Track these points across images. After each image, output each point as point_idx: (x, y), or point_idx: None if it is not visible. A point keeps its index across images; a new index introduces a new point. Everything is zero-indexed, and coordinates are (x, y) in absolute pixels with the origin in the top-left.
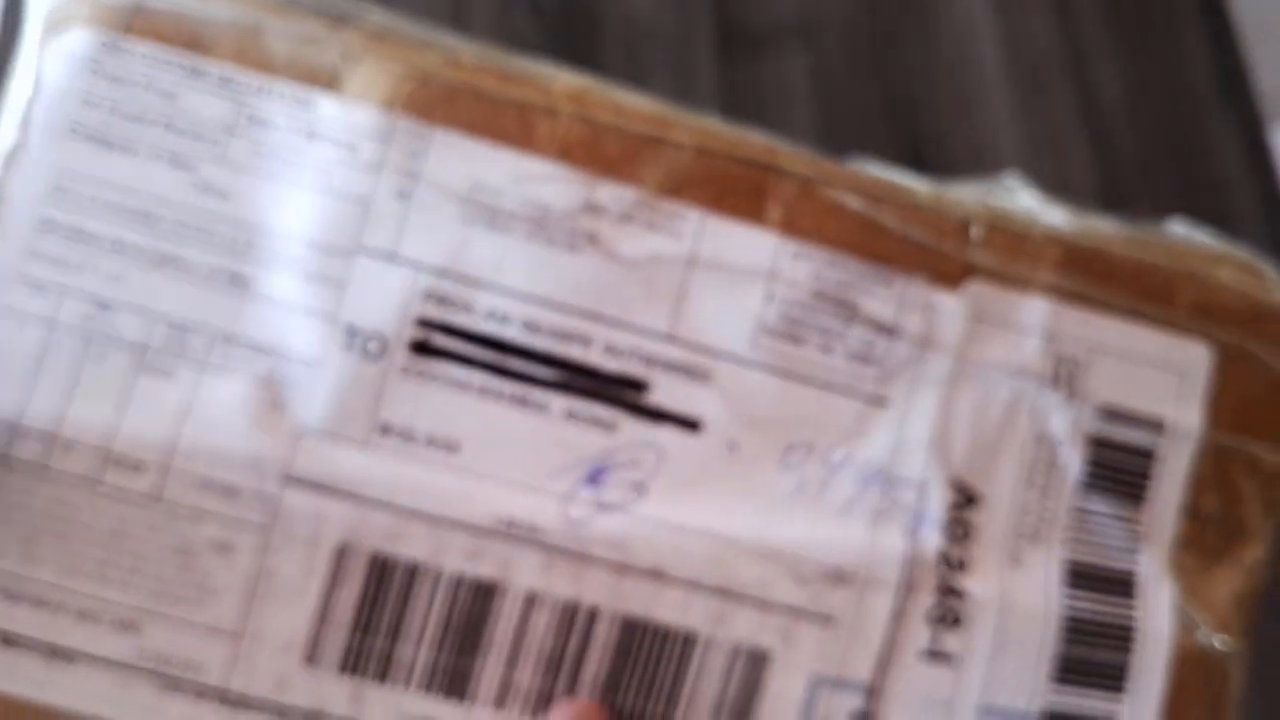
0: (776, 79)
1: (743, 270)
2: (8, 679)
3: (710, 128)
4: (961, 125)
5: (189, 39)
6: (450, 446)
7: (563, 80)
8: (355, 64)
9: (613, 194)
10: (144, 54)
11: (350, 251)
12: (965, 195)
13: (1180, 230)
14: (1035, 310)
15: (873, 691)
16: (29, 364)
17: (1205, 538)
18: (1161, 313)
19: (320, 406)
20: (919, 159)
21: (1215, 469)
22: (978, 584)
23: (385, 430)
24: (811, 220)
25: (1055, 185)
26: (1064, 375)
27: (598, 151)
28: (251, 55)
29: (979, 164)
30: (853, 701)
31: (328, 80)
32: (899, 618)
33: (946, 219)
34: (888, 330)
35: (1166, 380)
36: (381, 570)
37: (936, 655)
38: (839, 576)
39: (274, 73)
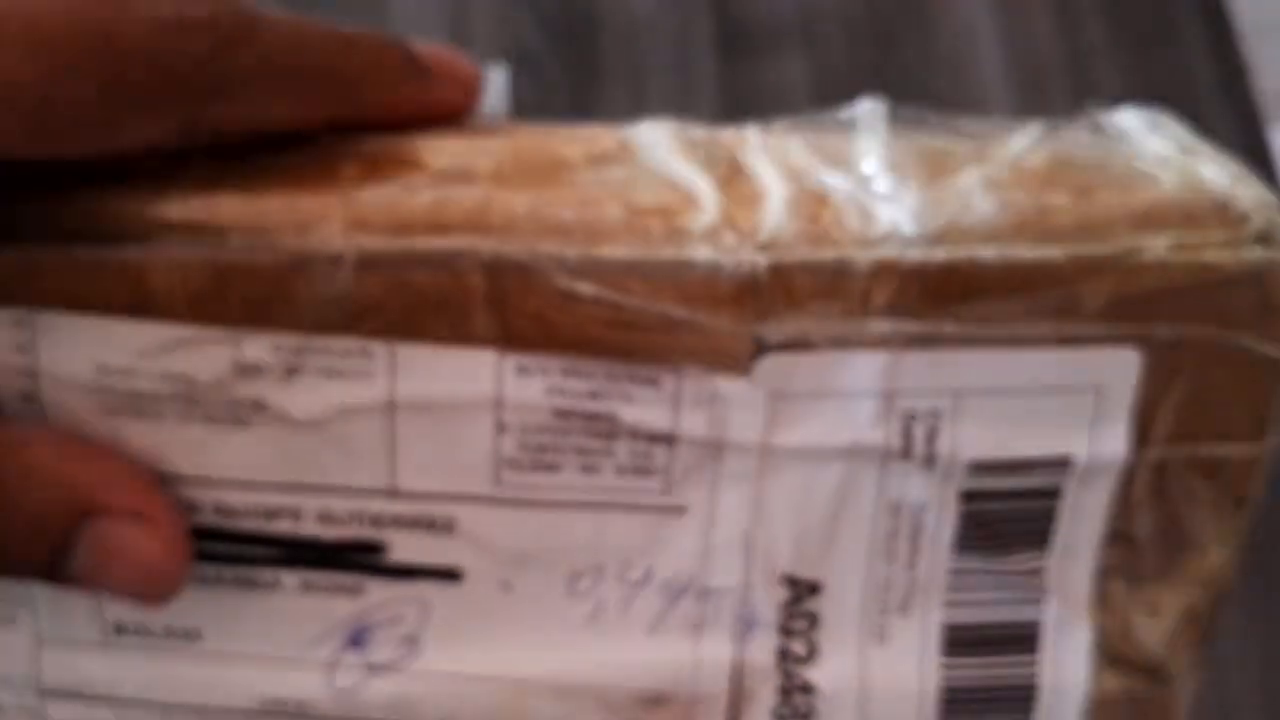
0: (776, 79)
1: (458, 403)
2: None
3: (381, 194)
4: None
5: None
6: (190, 635)
7: (175, 204)
8: None
9: (265, 346)
10: None
11: None
12: (774, 187)
13: (1129, 129)
14: (863, 370)
15: None
16: None
17: (1139, 562)
18: (1060, 327)
19: (46, 617)
20: None
21: (1151, 486)
22: (828, 673)
23: (120, 630)
24: (535, 322)
25: None
26: (916, 438)
27: (227, 297)
28: None
29: None
30: None
31: None
32: None
33: (723, 279)
34: (663, 438)
35: (1074, 404)
36: None
37: None
38: (657, 699)
39: None
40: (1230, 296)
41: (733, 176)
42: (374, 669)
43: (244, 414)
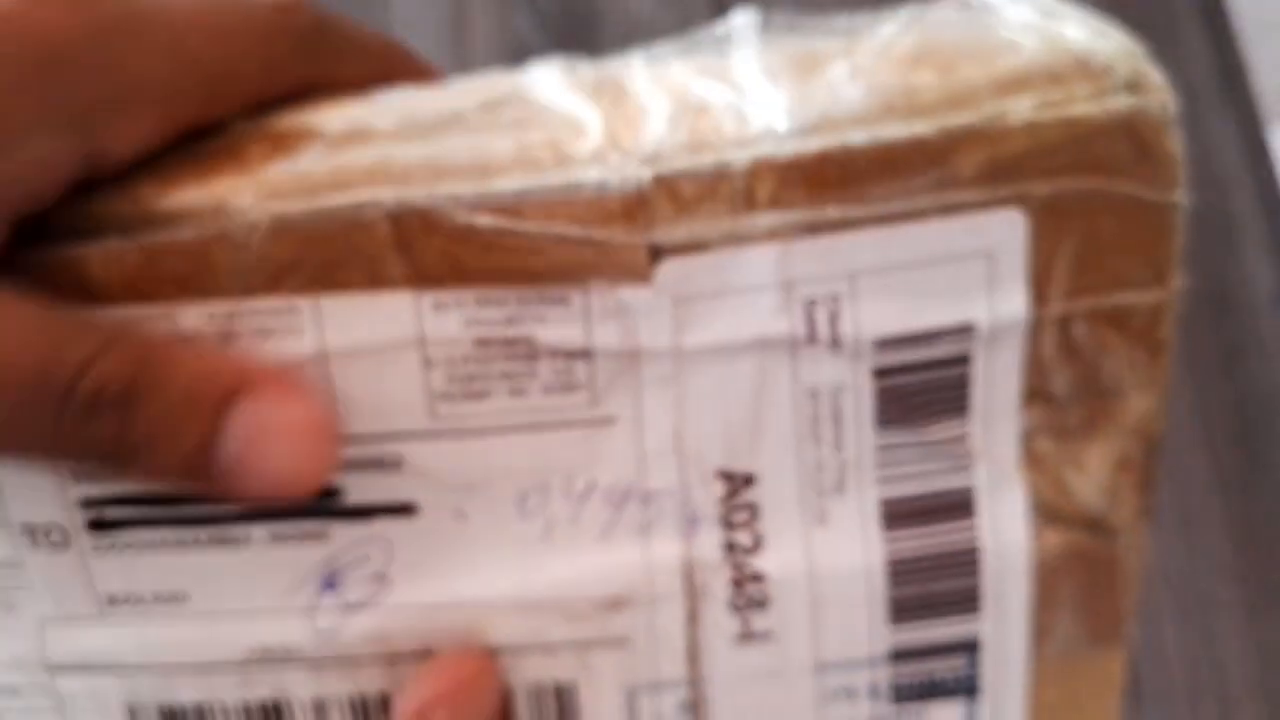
0: None
1: (384, 345)
2: None
3: (286, 160)
4: None
5: None
6: (178, 598)
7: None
8: None
9: (199, 315)
10: None
11: None
12: (655, 104)
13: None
14: (757, 264)
15: (694, 681)
16: None
17: (1064, 418)
18: (939, 198)
19: (45, 600)
20: None
21: (1060, 343)
22: (775, 560)
23: (113, 601)
24: (442, 261)
25: None
26: (819, 322)
27: (159, 276)
28: None
29: None
30: (676, 694)
31: None
32: (694, 619)
33: (611, 196)
34: (580, 354)
35: (966, 272)
36: (172, 716)
37: (750, 636)
38: (616, 602)
39: None
40: (1105, 147)
41: (618, 101)
42: (350, 608)
43: None
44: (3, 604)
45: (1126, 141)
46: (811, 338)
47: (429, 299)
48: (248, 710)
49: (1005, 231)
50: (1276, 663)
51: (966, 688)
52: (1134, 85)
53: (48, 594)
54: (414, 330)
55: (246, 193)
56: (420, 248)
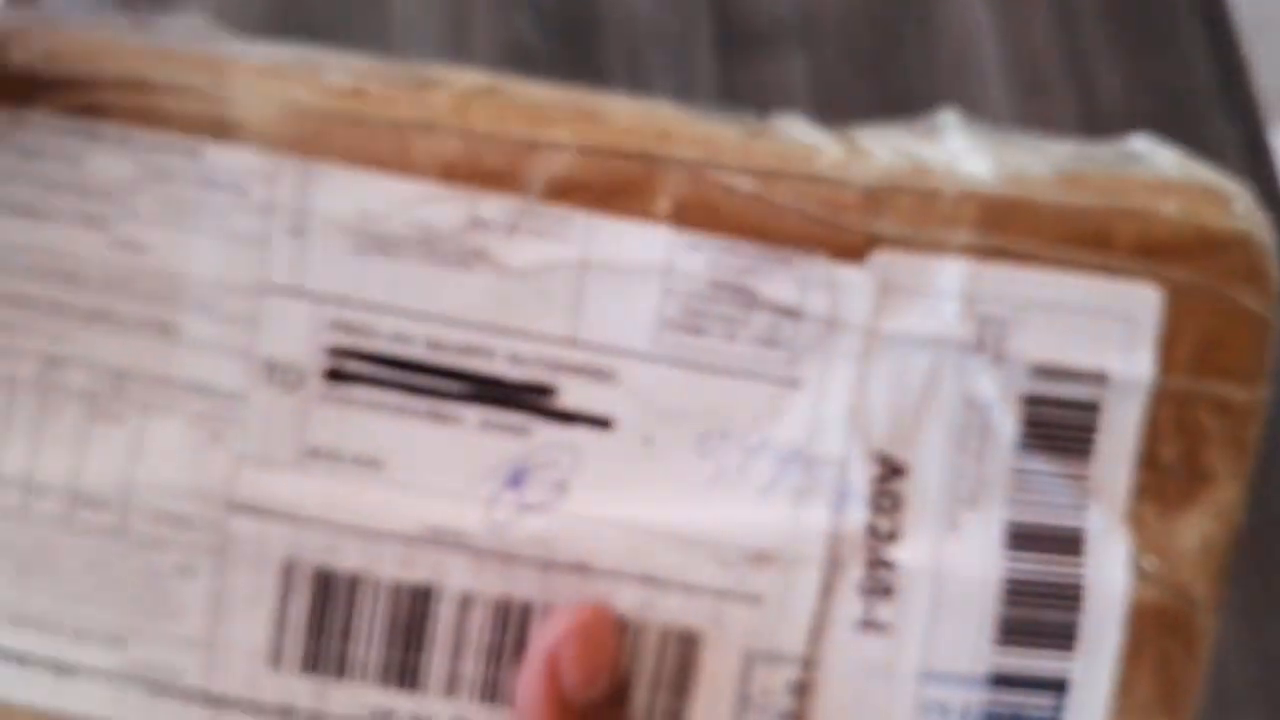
0: (777, 79)
1: (637, 268)
2: (24, 690)
3: (597, 118)
4: None
5: (84, 104)
6: (375, 463)
7: (444, 90)
8: (236, 107)
9: (496, 207)
10: (45, 124)
11: (258, 291)
12: (880, 150)
13: (1141, 150)
14: (950, 273)
15: (808, 662)
16: None
17: (1166, 487)
18: (1099, 259)
19: (253, 438)
20: None
21: (1174, 416)
22: (908, 553)
23: (314, 454)
24: (702, 209)
25: None
26: (989, 337)
27: (477, 166)
28: (143, 112)
29: None
30: (789, 672)
31: (213, 127)
32: (827, 592)
33: (847, 189)
34: (791, 313)
35: (1109, 329)
36: (326, 581)
37: (870, 625)
38: (762, 557)
39: (166, 126)
40: (1226, 255)
41: (850, 142)
42: (526, 508)
43: (469, 260)
44: (210, 434)
45: (1241, 255)
46: (980, 348)
47: (685, 238)
48: (398, 590)
49: (1144, 301)
50: (1276, 663)
51: None
52: (1249, 214)
53: (258, 433)
54: (664, 260)
55: (563, 123)
56: (686, 196)
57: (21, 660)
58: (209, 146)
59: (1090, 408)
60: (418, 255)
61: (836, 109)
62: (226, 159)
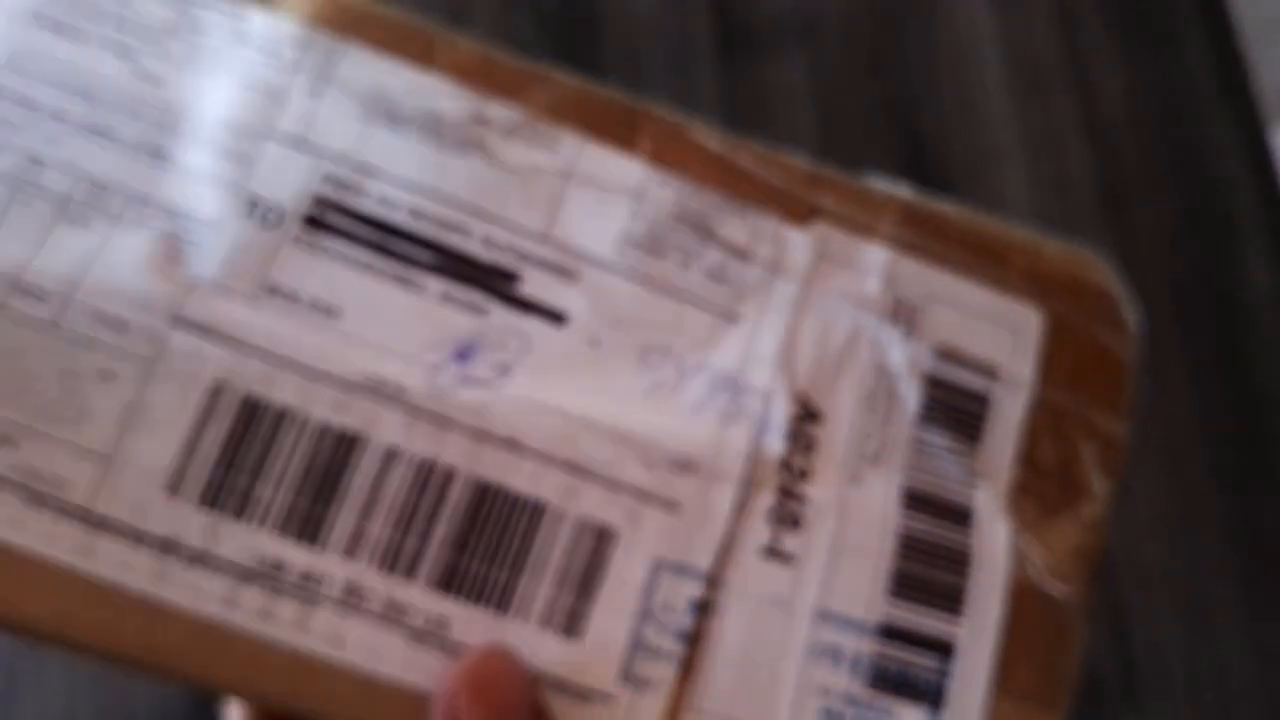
0: (777, 79)
1: (613, 188)
2: None
3: (591, 83)
4: (961, 125)
5: None
6: (331, 311)
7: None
8: None
9: (501, 112)
10: None
11: (262, 135)
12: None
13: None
14: (875, 255)
15: (713, 581)
16: None
17: (1044, 489)
18: (995, 273)
19: (216, 263)
20: (919, 159)
21: (1050, 423)
22: (818, 491)
23: (273, 290)
24: (676, 156)
25: (1055, 185)
26: (903, 315)
27: (491, 77)
28: None
29: (979, 164)
30: (693, 589)
31: (261, 0)
32: (740, 511)
33: (797, 167)
34: (740, 254)
35: (1000, 334)
36: (251, 412)
37: (776, 553)
38: (685, 464)
39: None
40: (1095, 304)
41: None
42: (467, 380)
43: (466, 148)
44: (172, 251)
45: (1108, 306)
46: (895, 322)
47: (658, 175)
48: (324, 433)
49: (1027, 319)
50: (1276, 663)
51: (934, 694)
52: (1113, 278)
53: (223, 259)
54: (638, 187)
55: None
56: (663, 142)
57: None
58: (254, 12)
59: (981, 398)
60: (420, 134)
61: (836, 109)
62: (268, 25)
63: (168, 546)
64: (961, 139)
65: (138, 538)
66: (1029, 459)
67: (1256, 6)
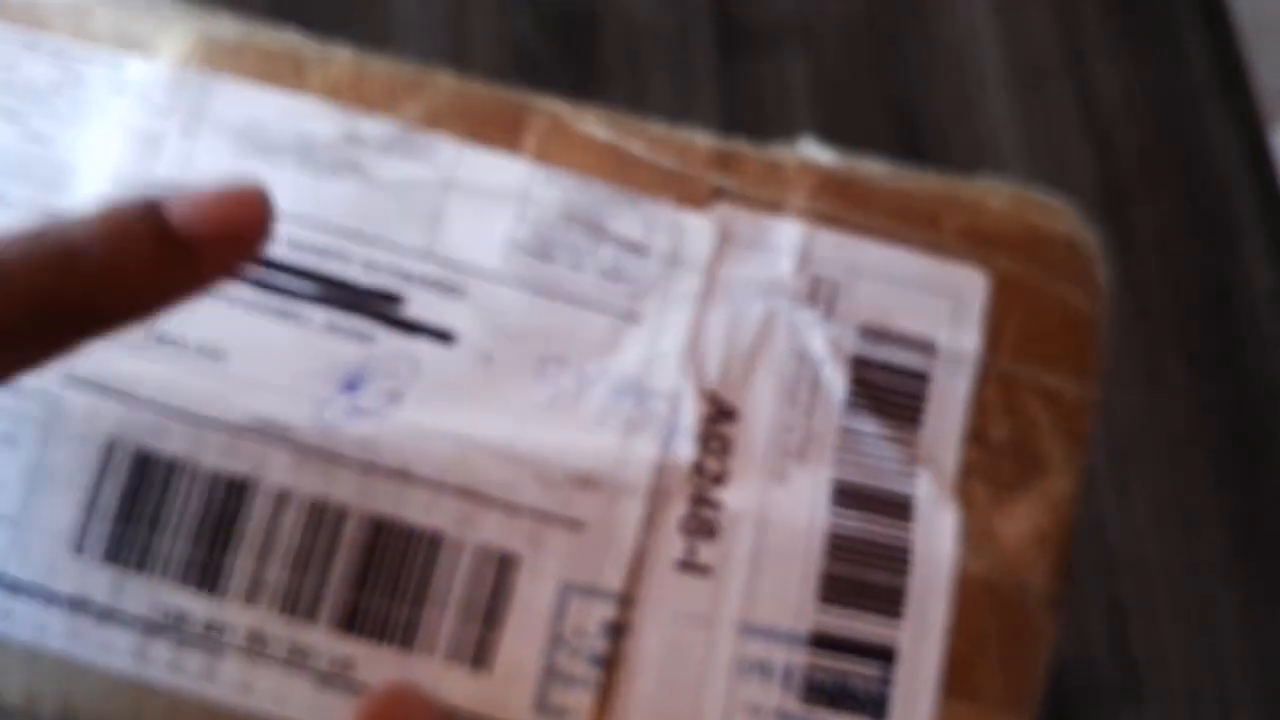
0: (776, 78)
1: (496, 193)
2: None
3: (473, 82)
4: (961, 125)
5: (31, 19)
6: (217, 354)
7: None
8: (162, 32)
9: (374, 128)
10: None
11: (143, 182)
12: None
13: (991, 181)
14: (786, 232)
15: (626, 600)
16: None
17: (997, 467)
18: (927, 237)
19: None
20: (919, 159)
21: (1002, 395)
22: (734, 496)
23: (160, 340)
24: (562, 151)
25: (1055, 185)
26: (821, 295)
27: (362, 91)
28: (82, 30)
29: (979, 164)
30: (605, 610)
31: (140, 47)
32: (650, 525)
33: (694, 149)
34: (636, 249)
35: (937, 304)
36: (144, 465)
37: (691, 566)
38: (587, 481)
39: (98, 42)
40: (1052, 255)
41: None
42: (357, 411)
43: (341, 170)
44: None
45: (1068, 255)
46: (813, 304)
47: (543, 173)
48: (215, 480)
49: (970, 282)
50: (1276, 663)
51: (876, 704)
52: (1076, 224)
53: None
54: (522, 189)
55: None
56: (549, 137)
57: None
58: (131, 60)
59: (919, 376)
60: (294, 162)
61: (836, 109)
62: (143, 71)
63: (78, 604)
64: (961, 139)
65: (49, 599)
66: (978, 437)
67: (1256, 6)
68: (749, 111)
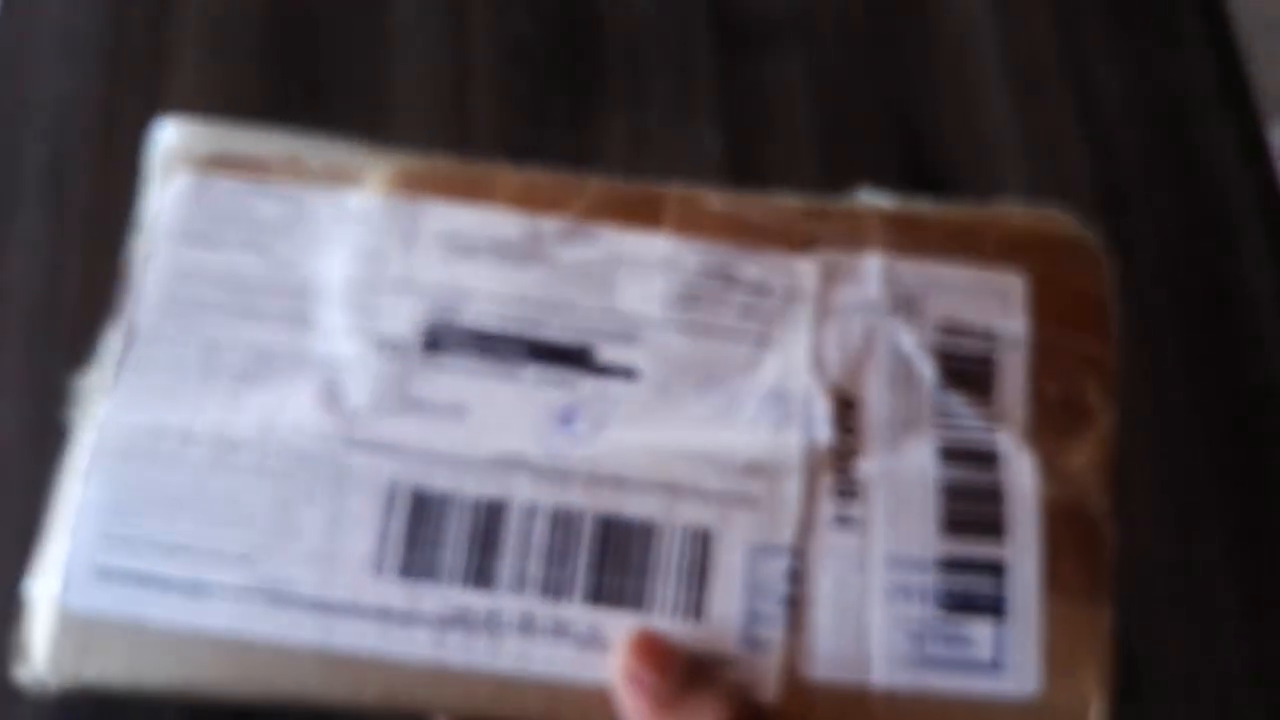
0: (776, 79)
1: (650, 262)
2: (159, 611)
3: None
4: (961, 125)
5: (254, 167)
6: (459, 410)
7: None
8: (367, 168)
9: (551, 224)
10: (225, 185)
11: (376, 287)
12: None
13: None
14: (871, 263)
15: (799, 553)
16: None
17: (1056, 417)
18: (973, 252)
19: (366, 393)
20: (918, 159)
21: (1051, 363)
22: (866, 465)
23: (415, 405)
24: (694, 222)
25: (1055, 185)
26: (904, 306)
27: (534, 196)
28: (299, 172)
29: (978, 164)
30: (784, 562)
31: (351, 180)
32: (808, 494)
33: (790, 208)
34: (760, 290)
35: (991, 302)
36: (420, 500)
37: (844, 520)
38: (754, 468)
39: (315, 181)
40: (1068, 252)
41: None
42: (574, 439)
43: (530, 260)
44: (333, 392)
45: (1079, 252)
46: (898, 314)
47: (683, 241)
48: (477, 505)
49: (1011, 283)
50: (1276, 663)
51: (996, 606)
52: (1079, 228)
53: (372, 390)
54: (669, 256)
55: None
56: (681, 215)
57: (163, 585)
58: (348, 193)
59: (986, 358)
60: (493, 257)
61: (835, 108)
62: (359, 200)
63: (384, 614)
64: (961, 139)
65: (359, 612)
66: (1038, 397)
67: (1256, 6)
68: (748, 111)
